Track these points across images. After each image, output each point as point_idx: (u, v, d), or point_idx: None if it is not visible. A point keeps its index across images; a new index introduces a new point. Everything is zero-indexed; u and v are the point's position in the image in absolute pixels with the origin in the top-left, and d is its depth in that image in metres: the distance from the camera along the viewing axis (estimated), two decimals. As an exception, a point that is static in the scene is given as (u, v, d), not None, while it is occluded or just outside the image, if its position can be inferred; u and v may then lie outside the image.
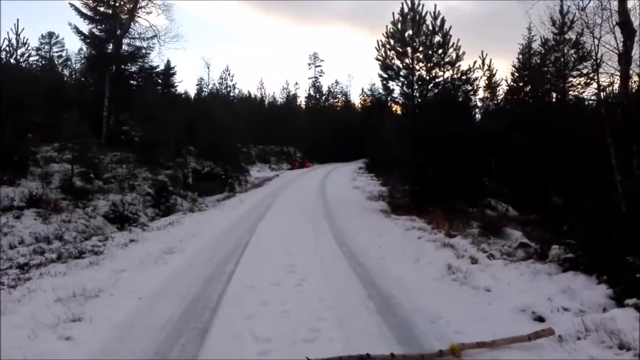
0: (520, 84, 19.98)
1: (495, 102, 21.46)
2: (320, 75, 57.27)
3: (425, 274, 7.05)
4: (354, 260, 7.96)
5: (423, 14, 15.17)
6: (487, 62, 20.69)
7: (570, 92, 16.37)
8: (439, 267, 7.30)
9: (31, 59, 25.67)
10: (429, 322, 4.96)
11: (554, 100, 17.98)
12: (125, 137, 18.54)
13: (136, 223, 12.42)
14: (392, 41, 15.58)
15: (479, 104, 20.57)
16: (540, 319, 5.07)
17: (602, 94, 11.45)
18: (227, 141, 24.29)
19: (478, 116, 20.91)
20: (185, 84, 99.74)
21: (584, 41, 13.88)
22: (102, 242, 9.70)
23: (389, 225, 11.91)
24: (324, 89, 57.73)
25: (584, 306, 5.29)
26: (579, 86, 15.92)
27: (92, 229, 11.33)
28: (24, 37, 18.77)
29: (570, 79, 15.96)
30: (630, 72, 9.76)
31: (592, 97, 14.67)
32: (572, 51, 15.10)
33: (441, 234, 9.99)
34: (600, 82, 10.87)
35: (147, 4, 23.09)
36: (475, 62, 15.63)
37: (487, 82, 20.82)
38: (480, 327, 4.76)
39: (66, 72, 35.31)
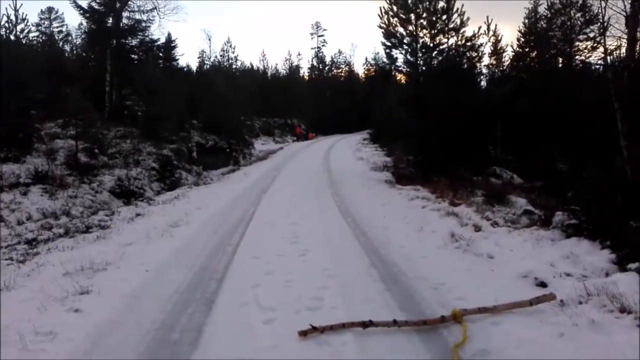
0: (526, 50, 19.60)
1: (501, 68, 21.12)
2: (323, 45, 56.53)
3: (429, 242, 7.09)
4: (358, 229, 8.01)
5: (428, -23, 14.86)
6: (492, 27, 20.25)
7: (577, 57, 16.06)
8: (442, 235, 7.34)
9: (31, 35, 25.54)
10: (432, 289, 5.02)
11: (560, 65, 17.68)
12: (129, 112, 18.53)
13: (142, 197, 12.52)
14: (395, 8, 15.28)
15: (485, 70, 20.24)
16: (543, 285, 5.11)
17: (608, 57, 11.22)
18: (231, 114, 24.20)
19: (484, 83, 20.58)
20: (187, 57, 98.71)
21: (590, 4, 13.57)
22: (109, 216, 9.80)
23: (393, 195, 11.93)
24: (327, 59, 57.04)
25: (586, 271, 5.33)
26: (586, 50, 15.62)
27: (99, 204, 11.44)
28: (23, 13, 18.58)
29: (577, 43, 15.64)
30: (638, 34, 9.53)
31: (599, 61, 14.39)
32: (578, 14, 14.76)
33: (445, 203, 10.00)
34: (607, 46, 10.63)
35: (145, -24, 22.69)
36: (480, 28, 15.29)
37: (492, 48, 20.45)
38: (483, 293, 4.81)
39: (67, 47, 35.11)
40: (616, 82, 9.65)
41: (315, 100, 47.63)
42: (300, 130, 40.56)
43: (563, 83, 15.34)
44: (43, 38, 34.13)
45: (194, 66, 40.00)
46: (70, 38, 36.44)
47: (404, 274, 5.55)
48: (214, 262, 6.13)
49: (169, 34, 28.59)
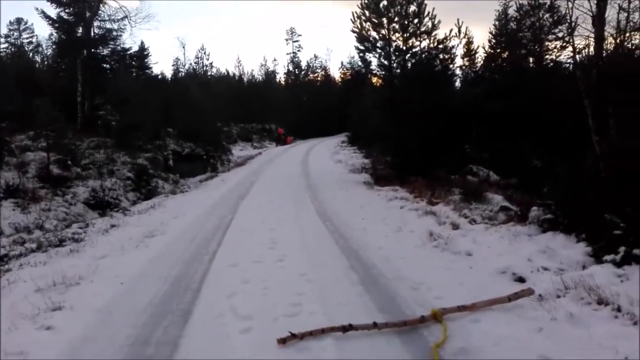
0: (498, 50, 19.92)
1: (474, 69, 21.41)
2: (298, 50, 56.51)
3: (407, 243, 7.10)
4: (337, 233, 7.97)
5: (398, -18, 14.98)
6: (463, 29, 20.49)
7: (547, 56, 16.38)
8: (420, 234, 7.35)
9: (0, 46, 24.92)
10: (411, 289, 5.01)
11: (531, 65, 18.00)
12: (102, 122, 18.16)
13: (117, 208, 12.27)
14: (367, 12, 15.38)
15: (458, 72, 20.48)
16: (521, 280, 5.15)
17: (577, 56, 11.44)
18: (207, 121, 23.94)
19: (457, 84, 20.83)
20: (161, 65, 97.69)
21: (558, 5, 13.84)
22: (83, 229, 9.58)
23: (371, 197, 11.94)
24: (303, 64, 57.08)
25: (563, 265, 5.39)
26: (555, 50, 15.94)
27: (73, 216, 11.18)
28: (-11, 25, 18.11)
29: (546, 43, 15.96)
30: (605, 33, 9.74)
31: (568, 60, 14.69)
32: (547, 15, 15.06)
33: (423, 203, 10.05)
34: (576, 45, 10.85)
35: (115, -15, 22.34)
36: (451, 31, 15.46)
37: (464, 49, 20.72)
38: (462, 291, 4.82)
39: (38, 58, 34.44)
40: (585, 79, 9.84)
41: (292, 105, 47.53)
42: (282, 131, 40.15)
43: (534, 82, 15.62)
44: (12, 49, 33.44)
45: (168, 74, 39.61)
46: (40, 49, 35.81)
47: (383, 275, 5.53)
48: (191, 271, 6.01)
49: (142, 43, 28.36)
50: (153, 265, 6.35)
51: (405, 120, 14.24)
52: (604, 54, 10.33)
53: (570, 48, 12.08)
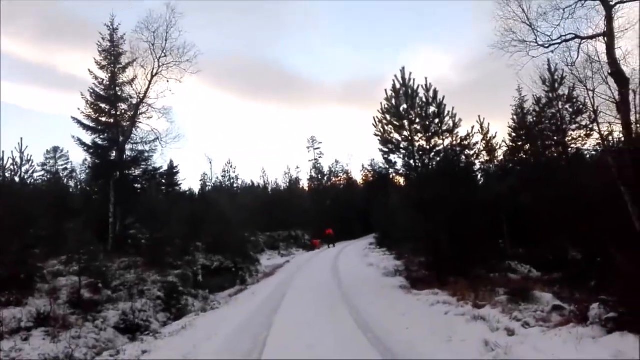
0: (519, 143, 20.13)
1: (497, 163, 21.52)
2: (320, 157, 58.12)
3: (462, 354, 6.55)
4: (382, 346, 7.44)
5: (415, 87, 15.59)
6: (485, 125, 20.95)
7: (572, 146, 16.38)
8: (474, 343, 6.81)
9: (36, 174, 26.26)
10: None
11: (555, 155, 18.03)
12: (132, 241, 18.36)
13: (148, 331, 11.88)
14: (388, 116, 15.86)
15: (482, 167, 20.60)
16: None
17: (604, 143, 11.40)
18: (234, 233, 24.06)
19: (482, 179, 20.82)
20: (189, 180, 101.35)
21: (577, 94, 14.12)
22: (114, 356, 9.19)
23: (411, 302, 11.36)
24: (325, 169, 58.42)
25: (642, 371, 4.81)
26: (579, 139, 15.97)
27: (103, 343, 10.81)
28: (28, 154, 19.23)
29: (570, 132, 16.05)
30: (632, 118, 9.75)
31: (596, 147, 14.65)
32: (567, 105, 15.30)
33: (468, 306, 9.47)
34: (602, 132, 10.87)
35: (147, 110, 23.86)
36: (473, 127, 15.75)
37: (485, 145, 20.97)
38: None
39: (72, 183, 36.00)
40: (618, 166, 9.68)
41: (317, 210, 47.88)
42: (332, 231, 39.76)
43: (562, 172, 15.50)
44: (48, 176, 35.14)
45: (196, 189, 40.81)
46: (74, 174, 37.50)
47: (442, 396, 4.99)
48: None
49: (171, 161, 29.54)
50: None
51: (435, 218, 14.02)
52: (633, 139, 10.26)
53: (596, 135, 12.14)
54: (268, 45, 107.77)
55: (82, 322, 11.37)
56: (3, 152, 19.95)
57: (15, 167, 17.52)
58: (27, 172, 19.99)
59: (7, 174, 17.20)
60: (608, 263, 10.03)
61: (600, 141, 11.11)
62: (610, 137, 11.30)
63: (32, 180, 22.70)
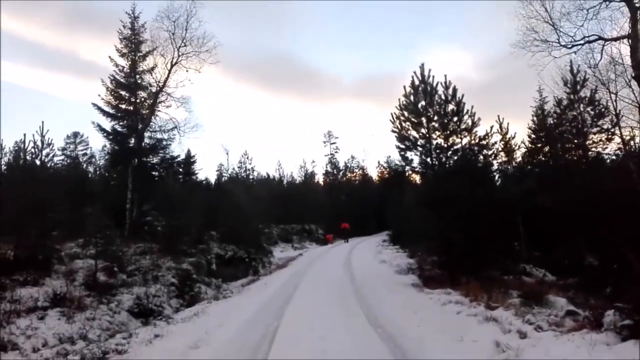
0: (539, 145, 19.85)
1: (515, 164, 21.25)
2: (336, 152, 58.00)
3: (472, 354, 6.52)
4: (392, 342, 7.45)
5: (434, 84, 15.46)
6: (504, 125, 20.66)
7: (593, 149, 16.09)
8: (485, 345, 6.77)
9: (56, 158, 26.66)
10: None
11: (575, 158, 17.74)
12: (148, 228, 18.59)
13: (161, 316, 12.05)
14: (406, 113, 15.77)
15: (500, 167, 20.35)
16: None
17: (626, 147, 11.18)
18: (249, 224, 24.21)
19: (500, 180, 20.58)
20: (206, 170, 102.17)
21: (599, 97, 13.85)
22: (126, 339, 9.32)
23: (423, 301, 11.33)
24: (341, 165, 58.33)
25: (657, 381, 4.74)
26: (600, 142, 15.68)
27: (117, 325, 11.00)
28: (49, 138, 19.48)
29: (590, 135, 15.76)
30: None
31: (617, 152, 14.38)
32: (588, 108, 15.03)
33: (481, 307, 9.40)
34: (624, 136, 10.66)
35: (166, 99, 24.10)
36: (492, 127, 15.56)
37: (504, 145, 20.71)
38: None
39: (90, 168, 36.55)
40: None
41: (331, 205, 47.90)
42: (348, 226, 40.09)
43: (581, 175, 15.24)
44: (68, 161, 35.69)
45: (212, 179, 41.07)
46: (94, 159, 38.05)
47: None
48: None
49: (189, 150, 29.71)
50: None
51: (450, 217, 13.91)
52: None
53: (617, 139, 11.90)
54: (287, 40, 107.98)
55: (96, 304, 11.58)
56: (24, 134, 20.26)
57: (36, 150, 17.75)
58: (47, 155, 20.26)
59: (27, 157, 17.45)
60: (625, 270, 9.86)
61: (621, 145, 10.92)
62: (632, 142, 11.07)
63: (52, 164, 23.01)
